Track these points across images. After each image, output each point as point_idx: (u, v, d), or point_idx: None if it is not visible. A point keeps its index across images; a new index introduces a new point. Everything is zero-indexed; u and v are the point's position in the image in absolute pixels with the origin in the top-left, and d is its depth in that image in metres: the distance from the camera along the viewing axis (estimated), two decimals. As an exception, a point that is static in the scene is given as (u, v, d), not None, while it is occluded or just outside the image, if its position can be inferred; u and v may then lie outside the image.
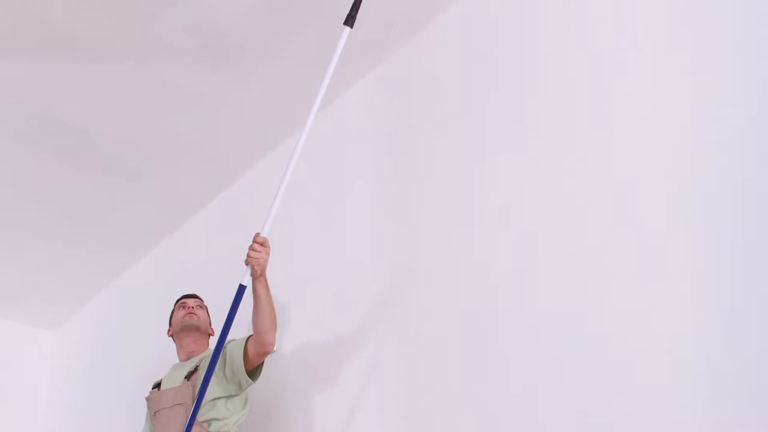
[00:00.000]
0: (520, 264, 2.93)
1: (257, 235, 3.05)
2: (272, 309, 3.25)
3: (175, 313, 3.82)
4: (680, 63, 2.65)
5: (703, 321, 2.38)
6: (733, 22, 2.55)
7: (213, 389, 3.33)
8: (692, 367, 2.38)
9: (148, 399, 3.63)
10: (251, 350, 3.32)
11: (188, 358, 3.68)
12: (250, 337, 3.35)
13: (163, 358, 3.95)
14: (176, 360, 3.76)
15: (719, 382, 2.33)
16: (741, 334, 2.31)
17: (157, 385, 3.66)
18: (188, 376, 3.50)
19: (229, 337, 3.03)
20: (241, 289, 2.99)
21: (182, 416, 3.38)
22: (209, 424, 3.34)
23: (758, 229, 2.34)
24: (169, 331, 3.84)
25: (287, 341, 3.75)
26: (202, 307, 3.83)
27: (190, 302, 3.81)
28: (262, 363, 3.40)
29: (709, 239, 2.43)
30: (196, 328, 3.73)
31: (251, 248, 3.06)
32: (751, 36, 2.49)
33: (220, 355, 3.29)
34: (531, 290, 2.86)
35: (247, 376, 3.35)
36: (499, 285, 2.98)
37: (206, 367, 3.08)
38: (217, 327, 3.33)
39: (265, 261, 3.09)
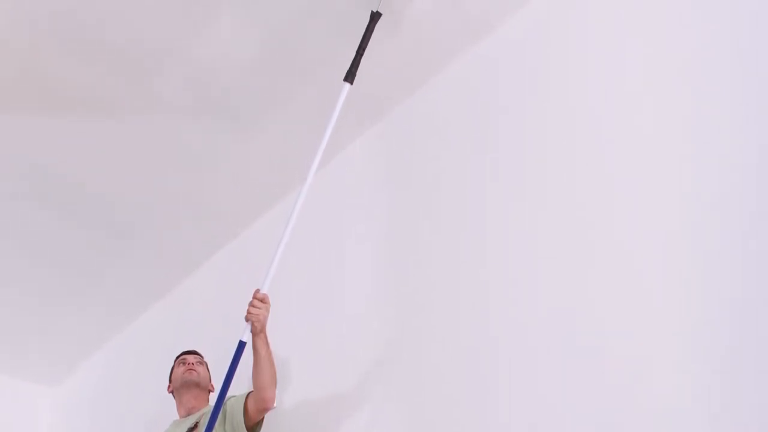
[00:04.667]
0: (521, 319, 2.92)
1: (257, 291, 3.06)
2: (272, 365, 3.24)
3: (175, 370, 3.81)
4: (680, 121, 2.67)
5: (704, 374, 2.38)
6: (733, 77, 2.58)
7: (213, 446, 3.31)
8: (693, 421, 2.37)
9: (147, 456, 3.61)
10: (251, 406, 3.31)
11: (188, 415, 3.66)
12: (250, 393, 3.34)
13: (163, 415, 3.93)
14: (176, 416, 3.74)
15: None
16: (741, 387, 2.31)
17: (157, 442, 3.64)
18: (188, 433, 3.49)
19: (229, 393, 3.02)
20: (241, 345, 2.98)
21: (182, 473, 3.37)
22: (209, 481, 3.32)
23: (757, 283, 2.34)
24: (169, 387, 3.83)
25: (287, 397, 3.73)
26: (202, 363, 3.82)
27: (190, 358, 3.80)
28: (263, 419, 3.38)
29: (707, 293, 2.44)
30: (196, 385, 3.72)
31: (251, 304, 3.05)
32: (752, 94, 2.52)
33: (220, 412, 3.27)
34: (532, 346, 2.86)
35: (247, 432, 3.34)
36: (499, 340, 2.97)
37: (206, 424, 3.06)
38: (217, 383, 3.32)
39: (265, 317, 3.09)
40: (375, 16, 3.17)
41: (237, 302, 3.23)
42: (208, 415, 3.19)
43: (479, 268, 3.15)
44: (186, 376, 3.72)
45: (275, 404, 3.36)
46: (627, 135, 2.81)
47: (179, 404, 3.74)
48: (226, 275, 4.52)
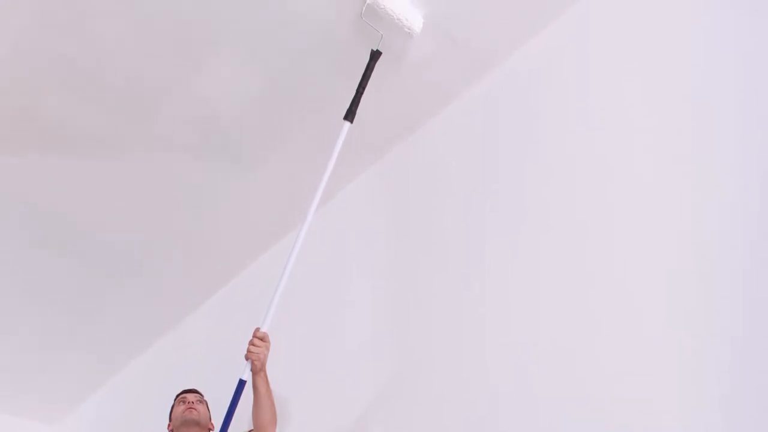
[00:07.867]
0: (522, 355, 2.92)
1: (257, 329, 3.05)
2: (272, 404, 3.22)
3: (175, 408, 3.79)
4: (681, 157, 2.68)
5: (703, 412, 2.37)
6: (733, 113, 2.59)
7: (212, 486, 3.30)
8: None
9: (146, 496, 3.59)
10: (251, 445, 3.30)
11: (188, 454, 3.64)
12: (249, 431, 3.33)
13: (162, 454, 3.92)
14: (176, 456, 3.72)
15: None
16: (741, 423, 2.30)
17: (156, 482, 3.62)
18: (188, 472, 3.47)
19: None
20: (241, 383, 2.97)
21: None
22: None
23: (757, 317, 2.34)
24: (169, 426, 3.81)
25: (288, 436, 3.72)
26: (202, 401, 3.81)
27: (190, 397, 3.79)
28: (263, 459, 3.36)
29: (708, 330, 2.43)
30: (195, 423, 3.70)
31: (251, 343, 3.05)
32: (752, 131, 2.52)
33: (220, 451, 3.26)
34: (532, 382, 2.85)
35: (246, 472, 3.32)
36: (499, 376, 2.96)
37: (206, 463, 3.06)
38: (218, 422, 3.31)
39: (265, 356, 3.08)
40: (375, 55, 3.19)
41: (237, 341, 3.23)
42: (208, 455, 3.19)
43: (479, 304, 3.15)
44: (186, 414, 3.71)
45: (275, 443, 3.35)
46: (628, 172, 2.82)
47: (179, 443, 3.73)
48: (226, 314, 4.52)
